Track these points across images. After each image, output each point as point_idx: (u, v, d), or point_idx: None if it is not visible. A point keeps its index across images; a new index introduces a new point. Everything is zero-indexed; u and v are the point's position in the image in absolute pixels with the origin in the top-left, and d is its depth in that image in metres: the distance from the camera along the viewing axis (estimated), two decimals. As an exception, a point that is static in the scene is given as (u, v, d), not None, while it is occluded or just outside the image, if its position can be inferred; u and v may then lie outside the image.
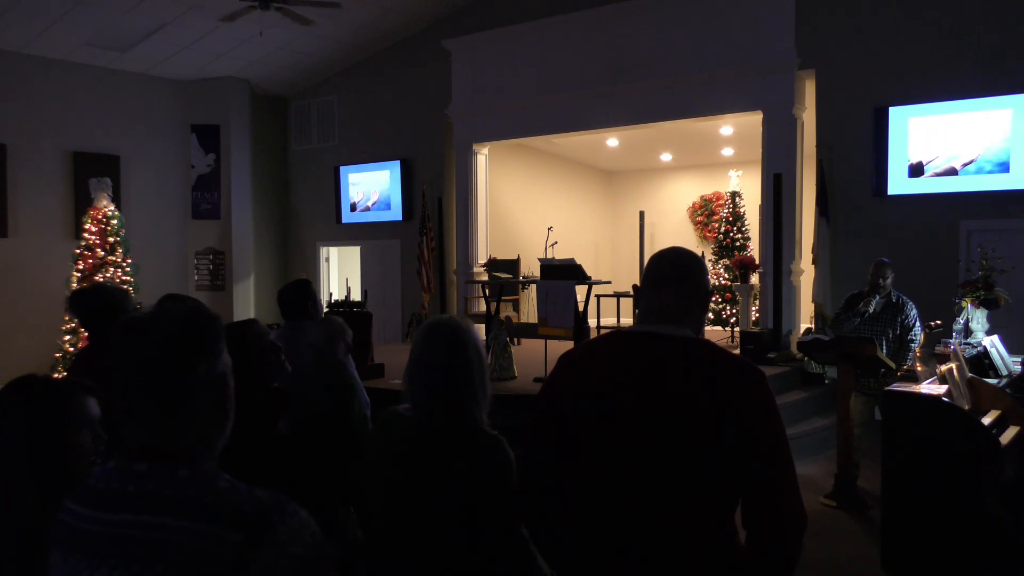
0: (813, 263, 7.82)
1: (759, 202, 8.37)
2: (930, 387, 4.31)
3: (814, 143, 7.94)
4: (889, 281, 5.45)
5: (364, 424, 3.21)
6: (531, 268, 9.94)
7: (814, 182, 7.99)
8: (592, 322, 7.64)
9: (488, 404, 1.96)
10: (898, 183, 7.49)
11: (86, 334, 8.08)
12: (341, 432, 2.93)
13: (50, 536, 1.17)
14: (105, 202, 8.66)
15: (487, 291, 8.90)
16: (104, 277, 8.40)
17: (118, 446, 1.17)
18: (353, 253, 11.74)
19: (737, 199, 10.96)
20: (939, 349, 4.86)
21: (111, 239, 8.55)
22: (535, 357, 7.29)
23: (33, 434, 1.54)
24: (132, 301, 2.91)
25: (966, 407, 4.09)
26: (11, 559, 1.50)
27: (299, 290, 3.81)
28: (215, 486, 1.10)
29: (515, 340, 8.71)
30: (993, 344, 4.90)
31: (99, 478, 1.14)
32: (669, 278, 1.72)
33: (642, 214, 11.11)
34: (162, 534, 1.05)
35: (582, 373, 1.73)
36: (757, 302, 8.55)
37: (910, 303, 5.43)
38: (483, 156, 10.32)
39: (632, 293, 8.44)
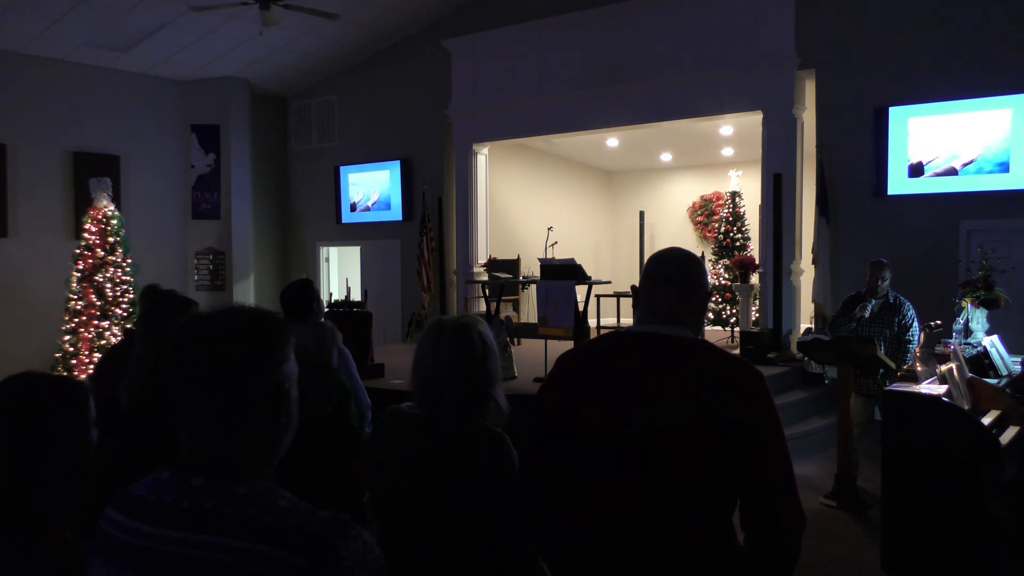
0: (813, 263, 7.82)
1: (759, 202, 8.37)
2: (930, 387, 4.31)
3: (814, 143, 7.94)
4: (887, 282, 5.45)
5: (361, 426, 3.20)
6: (531, 268, 9.94)
7: (814, 182, 7.99)
8: (592, 322, 7.64)
9: (495, 400, 1.94)
10: (898, 183, 7.49)
11: (91, 334, 8.10)
12: (336, 437, 2.91)
13: (92, 546, 1.12)
14: (105, 202, 8.66)
15: (487, 291, 8.90)
16: (104, 277, 8.40)
17: (157, 455, 1.14)
18: (353, 253, 11.74)
19: (737, 199, 10.96)
20: (939, 349, 4.85)
21: (111, 239, 8.54)
22: (535, 357, 7.28)
23: (32, 431, 1.54)
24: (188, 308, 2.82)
25: (966, 407, 4.09)
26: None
27: (302, 290, 3.80)
28: (276, 505, 1.05)
29: (515, 340, 8.72)
30: (993, 344, 4.89)
31: (150, 489, 1.09)
32: (667, 279, 1.71)
33: (642, 214, 11.12)
34: (222, 556, 1.00)
35: (581, 374, 1.73)
36: (757, 302, 8.55)
37: (907, 303, 5.43)
38: (483, 156, 10.32)
39: (631, 294, 8.44)
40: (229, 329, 1.09)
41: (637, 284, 1.81)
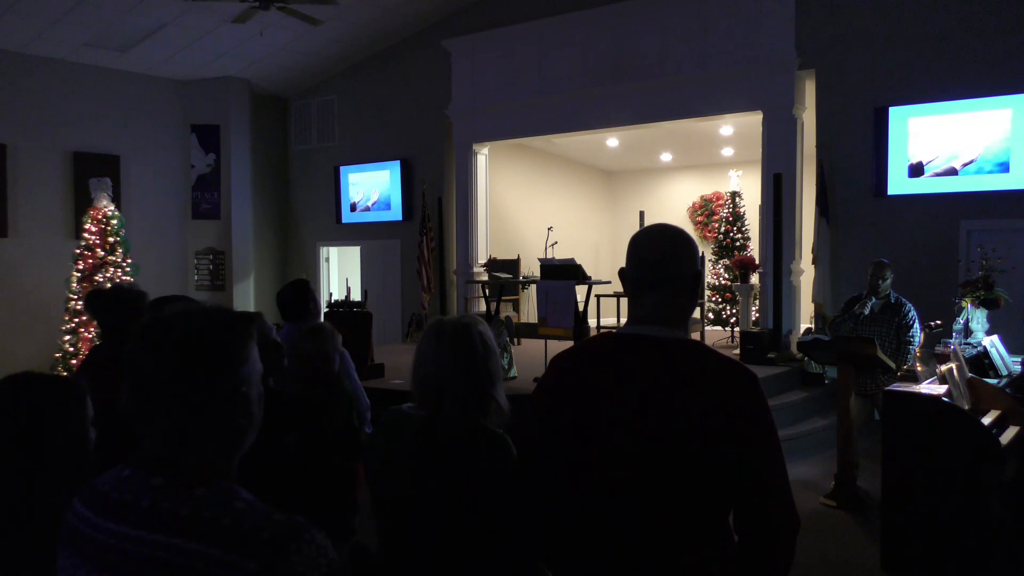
0: (813, 263, 7.82)
1: (759, 202, 8.37)
2: (930, 387, 4.31)
3: (814, 143, 7.94)
4: (888, 282, 5.46)
5: (360, 427, 3.21)
6: (531, 268, 9.94)
7: (814, 182, 7.99)
8: (592, 322, 7.64)
9: (495, 401, 1.95)
10: (898, 183, 7.49)
11: (92, 334, 8.11)
12: (342, 444, 2.92)
13: (60, 537, 1.14)
14: (105, 202, 8.66)
15: (487, 291, 8.90)
16: (104, 277, 8.40)
17: (126, 452, 1.15)
18: (353, 253, 11.74)
19: (737, 199, 10.95)
20: (939, 349, 4.86)
21: (111, 239, 8.54)
22: (535, 357, 7.29)
23: (31, 430, 1.54)
24: (146, 301, 2.94)
25: (966, 407, 4.09)
26: (10, 555, 1.50)
27: (298, 290, 3.80)
28: (232, 507, 1.06)
29: (515, 340, 8.72)
30: (993, 344, 4.90)
31: (112, 486, 1.11)
32: (653, 282, 1.67)
33: (642, 214, 11.10)
34: (175, 557, 1.02)
35: (573, 377, 1.71)
36: (757, 302, 8.55)
37: (908, 304, 5.43)
38: (483, 156, 10.32)
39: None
40: (186, 332, 1.10)
41: (624, 266, 1.75)
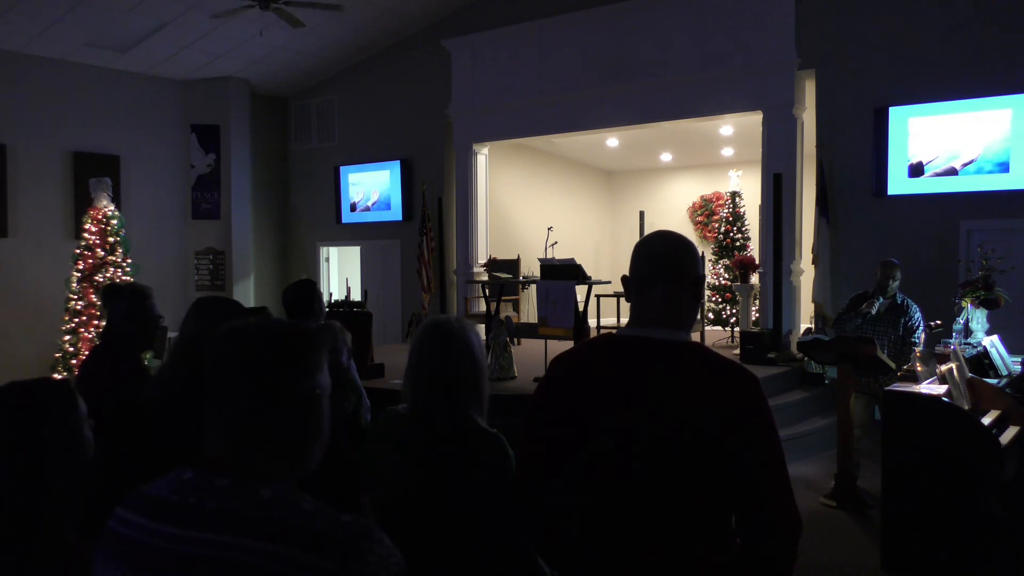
0: (813, 263, 7.82)
1: (759, 202, 8.38)
2: (930, 387, 4.31)
3: (814, 143, 7.94)
4: (896, 283, 5.46)
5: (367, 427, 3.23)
6: (531, 268, 9.94)
7: (814, 182, 7.99)
8: (592, 322, 7.64)
9: (486, 403, 1.96)
10: (898, 183, 7.49)
11: (91, 334, 8.10)
12: (352, 436, 2.95)
13: (100, 549, 1.11)
14: (105, 202, 8.65)
15: (487, 291, 8.90)
16: (104, 277, 8.39)
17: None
18: (353, 253, 11.74)
19: (737, 199, 10.95)
20: (939, 349, 4.85)
21: (111, 239, 8.53)
22: (535, 357, 7.29)
23: (27, 439, 1.53)
24: (152, 296, 3.00)
25: (966, 407, 4.09)
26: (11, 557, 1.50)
27: (304, 290, 3.80)
28: (300, 508, 1.06)
29: (515, 340, 8.71)
30: (993, 344, 4.90)
31: (172, 489, 1.10)
32: (656, 280, 1.67)
33: (642, 214, 11.11)
34: (246, 557, 1.01)
35: (575, 379, 1.71)
36: (757, 302, 8.55)
37: (915, 306, 5.43)
38: (483, 156, 10.32)
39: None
40: (266, 332, 1.15)
41: (627, 274, 1.76)
